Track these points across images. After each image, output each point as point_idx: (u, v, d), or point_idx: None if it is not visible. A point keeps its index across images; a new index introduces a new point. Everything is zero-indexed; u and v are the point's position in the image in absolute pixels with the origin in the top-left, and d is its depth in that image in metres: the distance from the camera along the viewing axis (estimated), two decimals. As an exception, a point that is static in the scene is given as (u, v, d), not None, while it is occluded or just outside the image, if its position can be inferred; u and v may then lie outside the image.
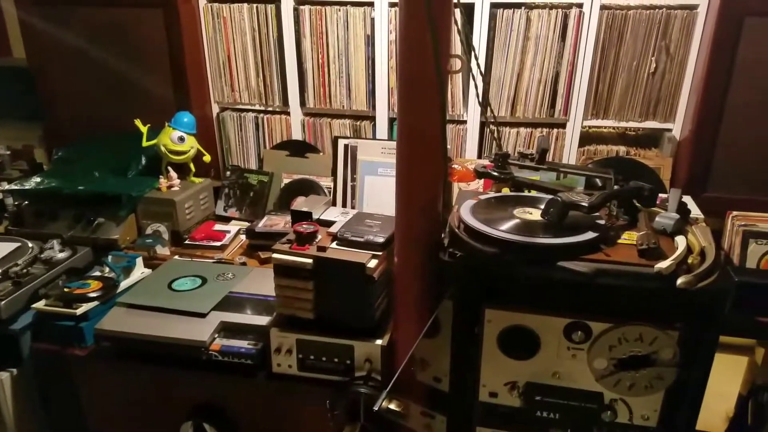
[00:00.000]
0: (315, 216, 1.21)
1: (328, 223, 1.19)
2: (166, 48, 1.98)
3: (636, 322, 0.87)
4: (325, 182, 1.92)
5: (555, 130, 1.88)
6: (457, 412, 1.04)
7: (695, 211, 1.54)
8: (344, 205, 1.88)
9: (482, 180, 1.53)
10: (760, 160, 1.71)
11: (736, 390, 1.26)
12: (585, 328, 0.90)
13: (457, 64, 0.88)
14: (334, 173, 1.88)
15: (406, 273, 0.99)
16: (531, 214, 1.01)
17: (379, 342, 1.11)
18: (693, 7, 1.71)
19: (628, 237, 0.97)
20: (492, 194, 1.14)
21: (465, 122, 1.90)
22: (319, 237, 1.13)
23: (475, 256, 0.91)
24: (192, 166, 1.89)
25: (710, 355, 0.88)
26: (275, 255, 1.10)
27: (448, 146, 1.78)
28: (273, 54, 2.00)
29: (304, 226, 1.12)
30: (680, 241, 0.93)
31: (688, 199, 1.60)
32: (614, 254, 0.90)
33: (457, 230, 0.96)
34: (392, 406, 1.08)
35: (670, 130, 1.85)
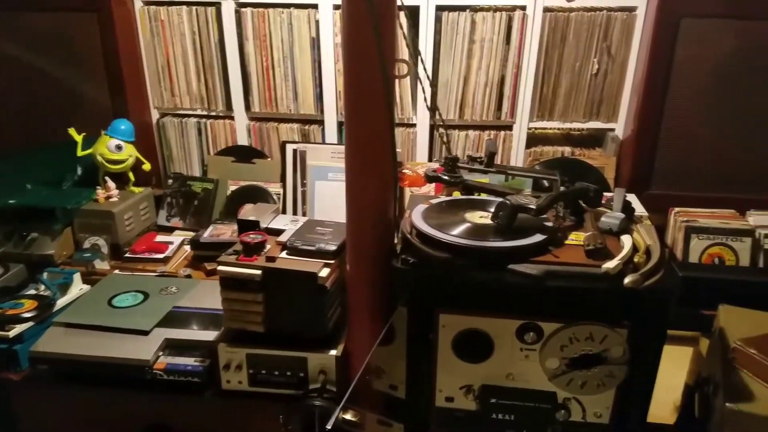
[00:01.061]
0: (263, 225, 1.19)
1: (277, 232, 1.17)
2: (101, 53, 1.92)
3: (586, 322, 0.89)
4: (274, 188, 1.90)
5: (502, 133, 1.91)
6: (414, 419, 1.04)
7: (639, 209, 1.59)
8: (295, 212, 1.87)
9: (434, 184, 1.54)
10: (699, 157, 1.79)
11: (683, 380, 1.30)
12: (537, 329, 0.92)
13: (403, 68, 0.88)
14: (282, 179, 1.86)
15: (359, 281, 0.99)
16: (481, 217, 1.03)
17: (333, 352, 1.11)
18: (632, 9, 1.77)
19: (576, 238, 0.99)
20: (443, 198, 1.15)
21: (414, 126, 1.92)
22: (268, 247, 1.12)
23: (427, 261, 0.91)
24: (131, 175, 1.84)
25: (658, 351, 0.91)
26: (221, 267, 1.08)
27: (398, 150, 1.80)
28: (215, 57, 1.97)
29: (252, 235, 1.10)
30: (626, 241, 0.96)
31: (632, 197, 1.66)
32: (562, 255, 0.92)
33: (409, 236, 0.96)
34: (348, 417, 1.08)
35: (613, 129, 1.91)
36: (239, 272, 1.07)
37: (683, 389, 1.30)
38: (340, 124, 1.98)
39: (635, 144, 1.80)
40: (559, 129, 1.99)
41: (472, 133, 1.90)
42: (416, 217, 1.01)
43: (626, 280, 0.84)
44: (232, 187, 1.93)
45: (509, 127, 1.92)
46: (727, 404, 0.89)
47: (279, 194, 1.88)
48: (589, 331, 0.90)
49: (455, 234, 0.94)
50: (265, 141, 2.04)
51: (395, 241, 1.00)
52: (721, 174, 1.80)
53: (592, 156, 1.89)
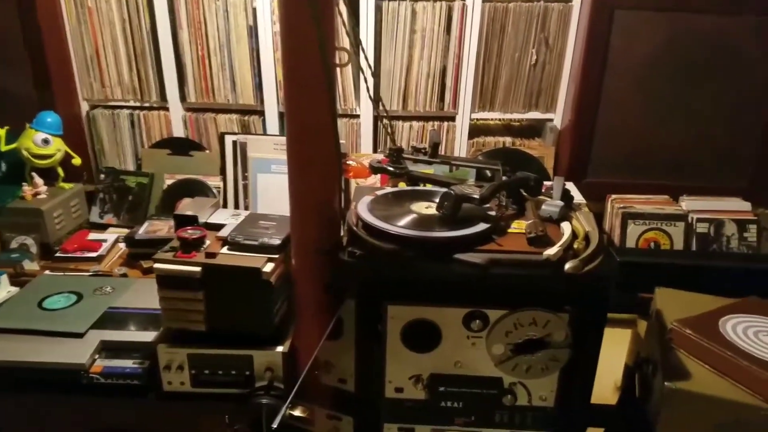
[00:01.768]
0: (201, 220, 1.16)
1: (217, 227, 1.15)
2: (23, 42, 1.82)
3: (529, 308, 0.92)
4: (214, 182, 1.86)
5: (446, 123, 1.93)
6: (364, 412, 1.05)
7: (578, 197, 1.65)
8: (236, 207, 1.83)
9: (379, 175, 1.55)
10: (633, 145, 1.86)
11: (623, 362, 1.36)
12: (482, 316, 0.94)
13: (344, 57, 0.88)
14: (222, 172, 1.83)
15: (304, 275, 0.99)
16: (427, 207, 1.04)
17: (279, 349, 1.09)
18: (568, 0, 1.82)
19: (518, 226, 1.01)
20: (388, 190, 1.15)
21: (358, 117, 1.91)
22: (208, 242, 1.09)
23: (374, 253, 0.91)
24: (60, 170, 1.77)
25: (599, 334, 0.94)
26: (157, 265, 1.04)
27: (343, 142, 1.80)
28: (147, 46, 1.91)
29: (189, 231, 1.08)
30: (565, 228, 0.99)
31: (570, 186, 1.71)
32: (505, 244, 0.94)
33: (355, 228, 0.96)
34: (297, 413, 1.08)
35: (551, 120, 1.96)
36: (177, 270, 1.04)
37: (623, 370, 1.36)
38: (281, 115, 1.95)
39: (573, 134, 1.85)
40: (500, 120, 2.02)
41: (416, 124, 1.92)
42: (362, 208, 1.01)
43: (566, 267, 0.87)
44: (169, 182, 1.88)
45: (452, 118, 1.94)
46: (665, 383, 0.93)
47: (219, 188, 1.85)
48: (532, 317, 0.93)
49: (401, 225, 0.95)
50: (203, 132, 2.00)
51: (341, 233, 0.99)
52: (655, 162, 1.88)
53: (532, 146, 1.94)
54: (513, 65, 1.88)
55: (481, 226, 0.96)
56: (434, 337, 0.96)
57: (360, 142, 1.92)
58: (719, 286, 1.24)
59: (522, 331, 0.94)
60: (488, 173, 1.23)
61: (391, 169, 1.15)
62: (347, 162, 1.08)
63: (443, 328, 0.96)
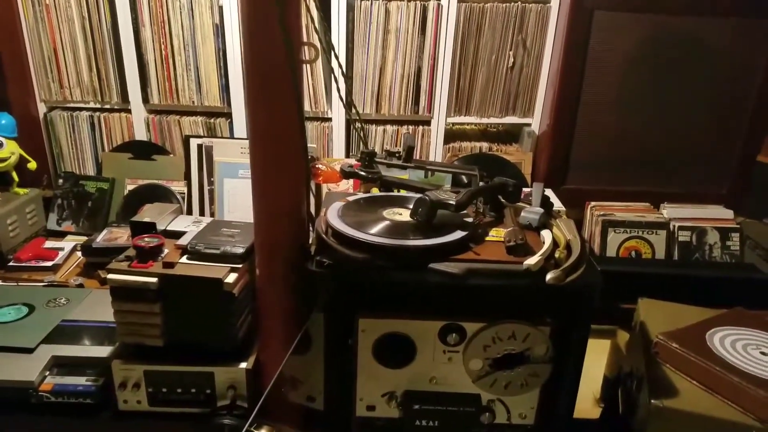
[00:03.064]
0: (160, 227, 1.11)
1: (177, 235, 1.09)
2: (-26, 39, 1.75)
3: (508, 320, 0.88)
4: (178, 187, 1.81)
5: (421, 128, 1.91)
6: (333, 431, 1.00)
7: (557, 204, 1.63)
8: (202, 213, 1.78)
9: (352, 180, 1.51)
10: (613, 150, 1.84)
11: (601, 372, 1.34)
12: (459, 329, 0.90)
13: (311, 53, 0.84)
14: (187, 177, 1.77)
15: (270, 286, 0.94)
16: (401, 214, 1.00)
17: (243, 365, 1.04)
18: (546, 1, 1.80)
19: (496, 234, 0.98)
20: (360, 195, 1.11)
21: (330, 120, 1.88)
22: (166, 251, 1.04)
23: (344, 263, 0.87)
24: (15, 175, 1.70)
25: (582, 348, 0.91)
26: (111, 276, 0.99)
27: (313, 145, 1.76)
28: (108, 45, 1.85)
29: (146, 239, 1.02)
30: (546, 236, 0.96)
31: (549, 193, 1.69)
32: (483, 252, 0.91)
33: (324, 236, 0.92)
34: (262, 432, 1.03)
35: (529, 124, 1.94)
36: (132, 280, 0.98)
37: (603, 382, 1.34)
38: (249, 118, 1.90)
39: (551, 138, 1.84)
40: (476, 124, 2.01)
41: (390, 127, 1.89)
42: (332, 215, 0.97)
43: (548, 277, 0.84)
44: (130, 187, 1.83)
45: (427, 122, 1.91)
46: (652, 401, 0.90)
47: (183, 194, 1.79)
48: (511, 330, 0.89)
49: (373, 232, 0.91)
50: (166, 136, 1.95)
51: (310, 241, 0.95)
52: (635, 167, 1.87)
53: (509, 151, 1.92)
54: (490, 68, 1.86)
55: (458, 234, 0.92)
56: (408, 351, 0.93)
57: (332, 146, 1.89)
58: (703, 297, 1.22)
59: (501, 346, 0.90)
60: (465, 179, 1.21)
61: (362, 173, 1.11)
62: (316, 166, 1.04)
63: (418, 342, 0.92)
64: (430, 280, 0.86)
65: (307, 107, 1.85)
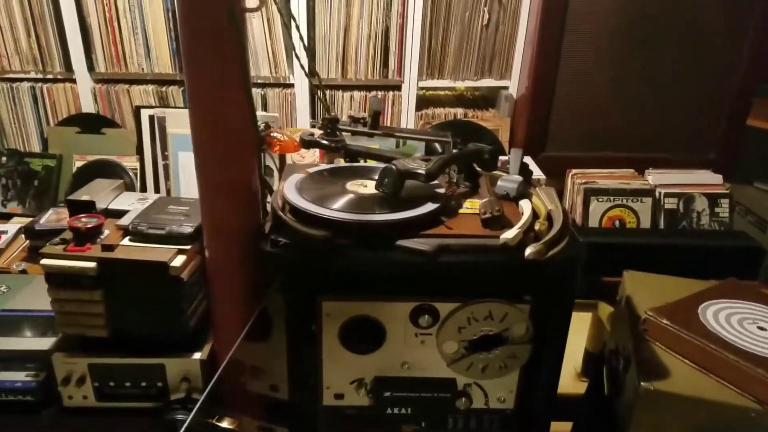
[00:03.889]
0: (101, 205, 1.04)
1: (120, 214, 1.02)
2: None
3: (484, 299, 0.84)
4: (130, 162, 1.73)
5: (391, 93, 1.86)
6: (299, 422, 0.97)
7: (536, 173, 1.59)
8: (157, 190, 1.70)
9: (318, 151, 1.44)
10: (596, 116, 1.82)
11: (582, 345, 1.34)
12: (432, 310, 0.86)
13: (254, 1, 0.76)
14: (139, 151, 1.70)
15: (220, 269, 0.88)
16: (366, 186, 0.95)
17: (197, 356, 0.99)
18: (522, -47, 1.75)
19: (471, 205, 0.93)
20: (322, 166, 1.05)
21: (292, 86, 1.81)
22: (106, 232, 0.97)
23: (302, 242, 0.81)
24: (-53, 153, 1.60)
25: (565, 327, 0.88)
26: (44, 261, 0.92)
27: (274, 114, 1.69)
28: (46, 9, 1.75)
29: (83, 219, 0.95)
30: (525, 206, 0.92)
31: (528, 161, 1.64)
32: (456, 226, 0.86)
33: (280, 212, 0.86)
34: (224, 425, 0.98)
35: (506, 88, 1.91)
36: (68, 266, 0.91)
37: (584, 356, 1.35)
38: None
39: (530, 103, 1.80)
40: (450, 90, 1.96)
41: (357, 93, 1.84)
42: (289, 189, 0.91)
43: (527, 252, 0.79)
44: (79, 163, 1.75)
45: (397, 87, 1.86)
46: (642, 384, 0.86)
47: (136, 169, 1.71)
48: (488, 310, 0.85)
49: (334, 208, 0.85)
50: (115, 107, 1.88)
51: (266, 219, 0.89)
52: (619, 134, 1.84)
53: (486, 117, 1.89)
54: (463, 26, 1.81)
55: (428, 207, 0.87)
56: (377, 335, 0.88)
57: (295, 115, 1.83)
58: (691, 267, 1.19)
59: (477, 327, 0.86)
60: (438, 147, 1.15)
61: (324, 142, 1.05)
62: (271, 134, 0.97)
63: (387, 326, 0.88)
64: (397, 258, 0.81)
65: (266, 72, 1.78)
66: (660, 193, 1.61)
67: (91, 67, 1.83)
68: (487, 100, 1.99)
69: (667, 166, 1.71)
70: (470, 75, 1.87)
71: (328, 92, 1.81)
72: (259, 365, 0.99)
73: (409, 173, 0.87)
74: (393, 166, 0.86)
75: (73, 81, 1.84)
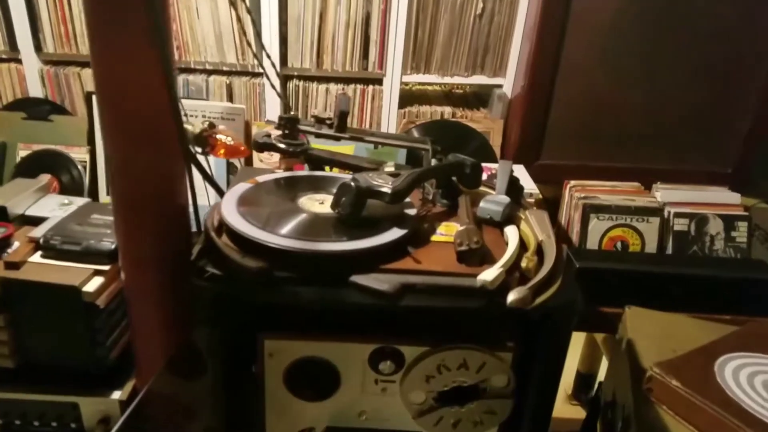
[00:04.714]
0: (15, 210, 0.93)
1: (39, 221, 0.91)
2: None
3: (458, 345, 0.74)
4: (79, 154, 1.64)
5: (371, 87, 1.77)
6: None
7: (529, 185, 1.49)
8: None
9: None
10: (597, 120, 1.73)
11: (574, 367, 1.32)
12: (395, 354, 0.76)
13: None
14: (91, 141, 1.62)
15: (138, 297, 0.76)
16: (323, 204, 0.84)
17: (116, 395, 0.89)
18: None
19: (446, 231, 0.83)
20: (276, 174, 0.94)
21: (261, 75, 1.72)
22: (16, 245, 0.86)
23: (235, 273, 0.70)
24: None
25: (555, 381, 0.79)
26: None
27: (241, 106, 1.57)
28: (-14, -21, 1.65)
29: (-13, 229, 0.84)
30: (511, 236, 0.81)
31: (520, 169, 1.55)
32: (426, 259, 0.75)
33: (213, 234, 0.74)
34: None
35: (500, 86, 1.82)
36: (-37, 287, 0.80)
37: (576, 377, 1.32)
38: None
39: (526, 103, 1.72)
40: (438, 85, 1.88)
41: (333, 86, 1.75)
42: (228, 204, 0.79)
43: (510, 298, 0.68)
44: (24, 153, 1.66)
45: (379, 81, 1.77)
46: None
47: (85, 162, 1.63)
48: (462, 358, 0.75)
49: (278, 232, 0.74)
50: (65, 92, 1.79)
51: (195, 240, 0.77)
52: (624, 141, 1.76)
53: (476, 118, 1.80)
54: (454, 15, 1.72)
55: (393, 234, 0.76)
56: (330, 380, 0.78)
57: (265, 108, 1.73)
58: (703, 300, 1.13)
59: (448, 376, 0.76)
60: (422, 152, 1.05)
61: (281, 145, 0.94)
62: (214, 135, 0.85)
63: (342, 369, 0.77)
64: (351, 299, 0.70)
65: (233, 59, 1.67)
66: (669, 212, 1.52)
67: (38, 47, 1.75)
68: (478, 97, 1.91)
69: (677, 181, 1.63)
70: (460, 70, 1.78)
71: (301, 84, 1.71)
72: (192, 405, 0.87)
73: (370, 192, 0.76)
74: (351, 183, 0.75)
75: (19, 62, 1.77)
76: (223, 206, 0.78)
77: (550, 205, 1.54)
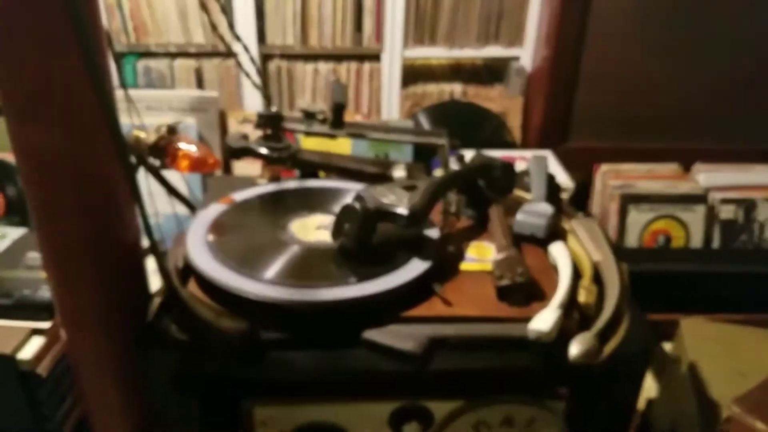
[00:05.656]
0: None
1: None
2: None
3: (500, 398, 0.63)
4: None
5: (367, 65, 1.67)
6: None
7: (559, 175, 1.38)
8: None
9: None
10: (628, 96, 1.66)
11: None
12: (422, 413, 0.65)
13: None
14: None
15: (88, 366, 0.63)
16: (319, 228, 0.71)
17: (70, 476, 0.75)
18: None
19: (478, 254, 0.70)
20: (258, 189, 0.81)
21: (236, 56, 1.57)
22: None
23: (210, 338, 0.57)
24: None
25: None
26: None
27: (212, 94, 1.45)
28: None
29: None
30: (560, 257, 0.69)
31: (547, 156, 1.44)
32: (457, 298, 0.63)
33: (176, 283, 0.61)
34: None
35: (517, 58, 1.75)
36: None
37: None
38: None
39: (548, 78, 1.65)
40: (445, 59, 1.79)
41: (323, 66, 1.63)
42: (194, 238, 0.66)
43: (573, 352, 0.56)
44: None
45: (376, 57, 1.67)
46: None
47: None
48: (505, 413, 0.64)
49: (262, 275, 0.61)
50: None
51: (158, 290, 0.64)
52: (660, 118, 1.69)
53: (491, 96, 1.71)
54: (462, -23, 1.65)
55: (413, 268, 0.64)
56: None
57: (243, 93, 1.62)
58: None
59: None
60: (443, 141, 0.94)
61: (261, 150, 0.81)
62: (174, 144, 0.72)
63: None
64: (363, 364, 0.58)
65: (200, 39, 1.54)
66: (714, 199, 1.42)
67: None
68: (492, 72, 1.81)
69: (718, 159, 1.56)
70: (471, 41, 1.68)
71: (284, 65, 1.59)
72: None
73: (381, 214, 0.63)
74: (356, 205, 0.62)
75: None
76: (189, 240, 0.65)
77: (579, 195, 1.44)
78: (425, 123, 1.54)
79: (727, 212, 1.45)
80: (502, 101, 1.70)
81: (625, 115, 1.69)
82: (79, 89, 0.50)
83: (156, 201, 0.85)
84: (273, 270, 0.61)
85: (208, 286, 0.60)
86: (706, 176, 1.48)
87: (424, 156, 1.47)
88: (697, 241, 1.45)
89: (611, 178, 1.46)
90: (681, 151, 1.64)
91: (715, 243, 1.46)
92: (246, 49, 0.90)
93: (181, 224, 0.99)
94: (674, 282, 1.23)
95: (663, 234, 1.43)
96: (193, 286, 0.61)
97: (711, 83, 1.67)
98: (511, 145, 1.53)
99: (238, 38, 0.88)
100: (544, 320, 0.57)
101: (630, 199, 1.40)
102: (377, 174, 0.88)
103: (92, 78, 0.49)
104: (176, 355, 0.58)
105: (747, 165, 1.54)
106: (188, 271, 0.63)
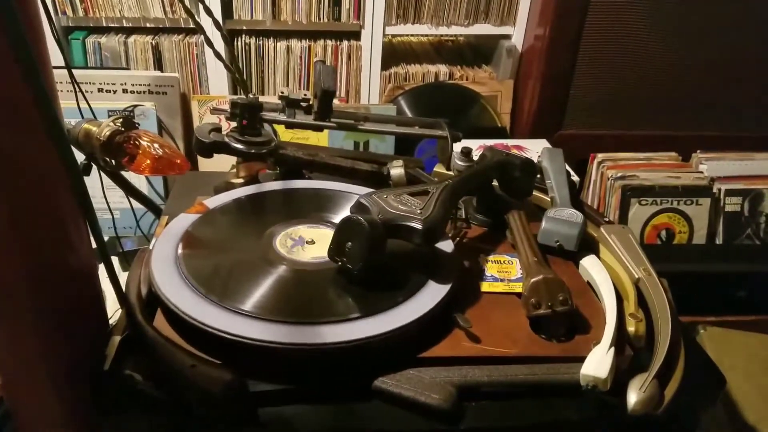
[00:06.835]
0: None
1: None
2: None
3: None
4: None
5: (345, 44, 1.54)
6: None
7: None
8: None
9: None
10: (630, 80, 1.56)
11: None
12: None
13: None
14: None
15: (27, 412, 0.51)
16: (313, 243, 0.59)
17: None
18: None
19: (500, 271, 0.60)
20: (234, 193, 0.69)
21: (199, 33, 1.43)
22: None
23: (186, 390, 0.46)
24: None
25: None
26: None
27: (174, 74, 1.32)
28: None
29: None
30: (598, 277, 0.59)
31: (542, 144, 1.35)
32: (483, 330, 0.52)
33: (140, 318, 0.49)
34: None
35: (508, 36, 1.64)
36: None
37: None
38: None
39: (542, 58, 1.54)
40: (429, 37, 1.70)
41: (296, 44, 1.49)
42: (161, 261, 0.54)
43: (632, 401, 0.47)
44: None
45: (356, 35, 1.55)
46: None
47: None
48: None
49: (246, 306, 0.50)
50: None
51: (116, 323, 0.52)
52: (660, 103, 1.59)
53: (479, 78, 1.60)
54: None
55: (431, 294, 0.53)
56: None
57: (206, 73, 1.48)
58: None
59: None
60: (445, 131, 0.84)
61: (238, 146, 0.69)
62: (133, 141, 0.60)
63: None
64: (377, 422, 0.47)
65: (158, 13, 1.40)
66: (719, 190, 1.34)
67: None
68: (480, 52, 1.71)
69: (719, 148, 1.47)
70: (458, 18, 1.56)
71: (252, 42, 1.45)
72: None
73: (392, 228, 0.52)
74: (361, 220, 0.50)
75: None
76: (154, 262, 0.53)
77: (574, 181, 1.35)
78: (407, 109, 1.43)
79: (732, 205, 1.37)
80: (491, 84, 1.60)
81: (623, 101, 1.59)
82: (5, 73, 0.39)
83: (109, 195, 0.73)
84: (261, 302, 0.50)
85: (179, 322, 0.49)
86: (709, 165, 1.39)
87: (406, 145, 1.37)
88: (701, 237, 1.37)
89: (609, 169, 1.36)
90: (680, 138, 1.56)
91: (719, 237, 1.39)
92: (218, 25, 0.78)
93: (137, 220, 0.87)
94: (680, 282, 1.15)
95: (666, 228, 1.34)
96: (160, 320, 0.50)
97: (717, 67, 1.58)
98: (502, 133, 1.42)
99: (209, 13, 0.76)
100: (599, 364, 0.47)
101: (632, 192, 1.30)
102: (372, 171, 0.77)
103: (20, 57, 0.38)
104: (143, 419, 0.46)
105: (749, 153, 1.45)
106: (154, 299, 0.52)
